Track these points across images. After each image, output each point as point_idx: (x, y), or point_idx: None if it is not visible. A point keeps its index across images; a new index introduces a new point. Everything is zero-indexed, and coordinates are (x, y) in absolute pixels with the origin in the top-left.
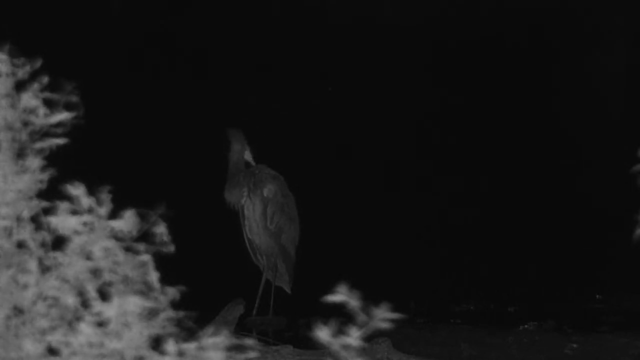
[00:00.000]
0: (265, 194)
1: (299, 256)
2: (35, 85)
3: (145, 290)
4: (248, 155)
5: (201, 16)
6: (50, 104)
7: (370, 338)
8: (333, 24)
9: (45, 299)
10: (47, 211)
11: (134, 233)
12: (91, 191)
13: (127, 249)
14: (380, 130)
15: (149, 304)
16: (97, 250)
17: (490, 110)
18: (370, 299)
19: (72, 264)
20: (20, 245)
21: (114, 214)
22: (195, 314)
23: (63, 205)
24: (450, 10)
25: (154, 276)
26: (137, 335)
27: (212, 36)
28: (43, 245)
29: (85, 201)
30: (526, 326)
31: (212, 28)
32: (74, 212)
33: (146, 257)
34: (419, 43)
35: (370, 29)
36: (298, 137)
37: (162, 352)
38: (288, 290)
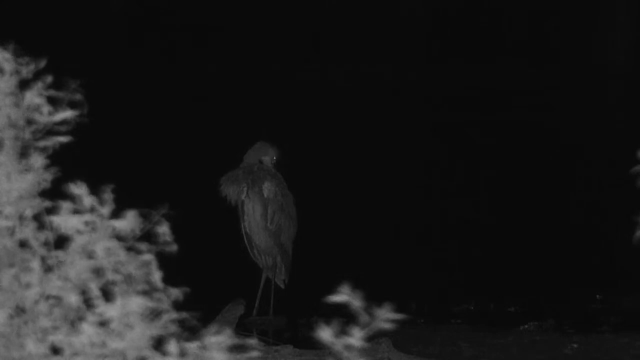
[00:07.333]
0: (265, 195)
1: (300, 256)
2: (39, 84)
3: (148, 290)
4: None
5: (204, 15)
6: (54, 102)
7: (371, 338)
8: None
9: (47, 298)
10: (50, 210)
11: (137, 233)
12: (93, 190)
13: (130, 249)
14: (381, 129)
15: (151, 304)
16: (99, 250)
17: (489, 106)
18: (371, 299)
19: (74, 264)
20: (23, 244)
21: (116, 214)
22: (196, 314)
23: (65, 205)
24: None
25: (157, 276)
26: (140, 335)
27: (215, 35)
28: (45, 244)
29: (88, 200)
30: (526, 326)
31: (214, 28)
32: (76, 212)
33: (149, 257)
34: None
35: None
36: (299, 134)
37: (164, 353)
38: (281, 285)
